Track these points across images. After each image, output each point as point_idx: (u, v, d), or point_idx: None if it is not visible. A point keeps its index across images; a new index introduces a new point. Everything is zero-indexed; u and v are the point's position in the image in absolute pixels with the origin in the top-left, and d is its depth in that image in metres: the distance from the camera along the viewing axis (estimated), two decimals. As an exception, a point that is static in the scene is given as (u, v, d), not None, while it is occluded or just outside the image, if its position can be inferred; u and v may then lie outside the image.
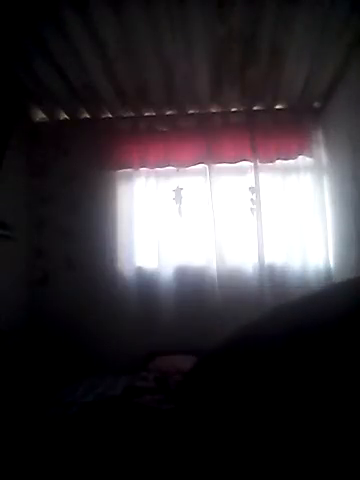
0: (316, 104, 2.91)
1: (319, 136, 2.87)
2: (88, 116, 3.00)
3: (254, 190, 2.84)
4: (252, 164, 2.86)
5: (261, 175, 2.85)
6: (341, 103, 2.54)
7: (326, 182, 2.83)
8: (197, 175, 2.90)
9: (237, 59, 2.35)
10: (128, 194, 2.91)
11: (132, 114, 2.97)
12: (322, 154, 2.85)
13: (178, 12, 1.97)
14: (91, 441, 1.57)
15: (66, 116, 3.00)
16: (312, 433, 0.30)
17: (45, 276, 2.92)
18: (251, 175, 2.86)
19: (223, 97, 2.76)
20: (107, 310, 2.72)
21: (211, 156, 2.87)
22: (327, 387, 0.32)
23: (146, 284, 2.81)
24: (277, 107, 2.93)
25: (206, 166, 2.88)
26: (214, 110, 2.95)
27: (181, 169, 2.88)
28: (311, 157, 2.85)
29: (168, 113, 2.97)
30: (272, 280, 2.73)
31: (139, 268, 2.84)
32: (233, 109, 2.94)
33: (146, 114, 2.98)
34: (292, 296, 0.73)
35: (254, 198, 2.84)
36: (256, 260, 2.76)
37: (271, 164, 2.85)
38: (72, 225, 2.90)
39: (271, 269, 2.76)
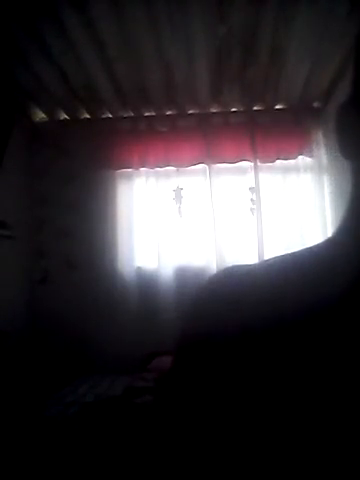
0: (316, 104, 2.91)
1: (319, 136, 2.87)
2: (88, 116, 3.00)
3: (254, 190, 2.84)
4: (252, 164, 2.86)
5: (261, 175, 2.85)
6: (341, 103, 2.54)
7: (326, 182, 2.83)
8: (197, 175, 2.90)
9: (237, 59, 2.35)
10: (128, 194, 2.91)
11: (132, 114, 2.96)
12: (322, 154, 2.85)
13: (178, 12, 1.97)
14: (92, 441, 1.57)
15: (66, 116, 2.99)
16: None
17: (45, 276, 2.91)
18: (251, 175, 2.86)
19: (223, 97, 2.76)
20: (107, 310, 2.72)
21: (211, 156, 2.87)
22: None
23: (146, 284, 2.81)
24: (277, 107, 2.93)
25: (206, 166, 2.88)
26: (214, 110, 2.95)
27: (181, 169, 2.88)
28: (311, 157, 2.85)
29: (168, 113, 2.97)
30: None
31: (139, 268, 2.84)
32: (233, 109, 2.94)
33: (146, 114, 2.98)
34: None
35: (254, 198, 2.84)
36: (256, 260, 2.76)
37: (271, 164, 2.85)
38: (72, 225, 2.90)
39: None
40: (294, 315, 0.32)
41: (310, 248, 0.39)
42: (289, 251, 0.41)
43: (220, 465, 0.31)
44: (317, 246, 0.39)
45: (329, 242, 0.38)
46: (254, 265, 0.41)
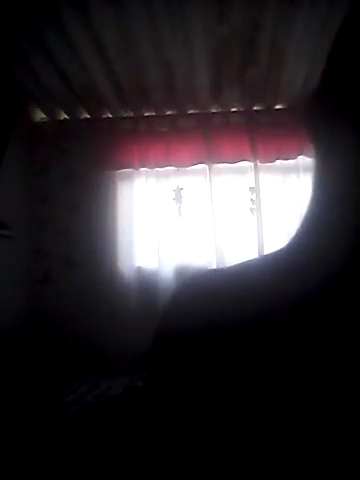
0: (316, 104, 2.91)
1: (319, 136, 2.87)
2: (88, 116, 3.00)
3: (254, 190, 2.85)
4: (252, 164, 2.86)
5: (261, 175, 2.86)
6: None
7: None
8: (197, 175, 2.90)
9: (237, 59, 2.35)
10: (128, 194, 2.91)
11: (132, 114, 2.96)
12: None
13: (178, 12, 1.97)
14: (92, 441, 1.57)
15: (66, 116, 2.99)
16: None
17: (45, 276, 2.91)
18: (251, 175, 2.86)
19: (223, 97, 2.76)
20: (107, 310, 2.72)
21: (211, 156, 2.87)
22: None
23: (146, 284, 2.81)
24: (277, 107, 2.93)
25: (206, 166, 2.88)
26: (214, 110, 2.95)
27: (181, 169, 2.88)
28: (311, 157, 2.84)
29: (168, 113, 2.97)
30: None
31: (139, 268, 2.84)
32: (233, 109, 2.94)
33: (146, 114, 2.98)
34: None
35: (254, 198, 2.85)
36: (256, 260, 2.75)
37: (271, 164, 2.85)
38: (72, 225, 2.90)
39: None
40: (255, 319, 0.33)
41: (275, 252, 0.40)
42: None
43: (201, 457, 0.32)
44: (280, 251, 0.39)
45: (288, 247, 0.38)
46: (221, 269, 0.42)
